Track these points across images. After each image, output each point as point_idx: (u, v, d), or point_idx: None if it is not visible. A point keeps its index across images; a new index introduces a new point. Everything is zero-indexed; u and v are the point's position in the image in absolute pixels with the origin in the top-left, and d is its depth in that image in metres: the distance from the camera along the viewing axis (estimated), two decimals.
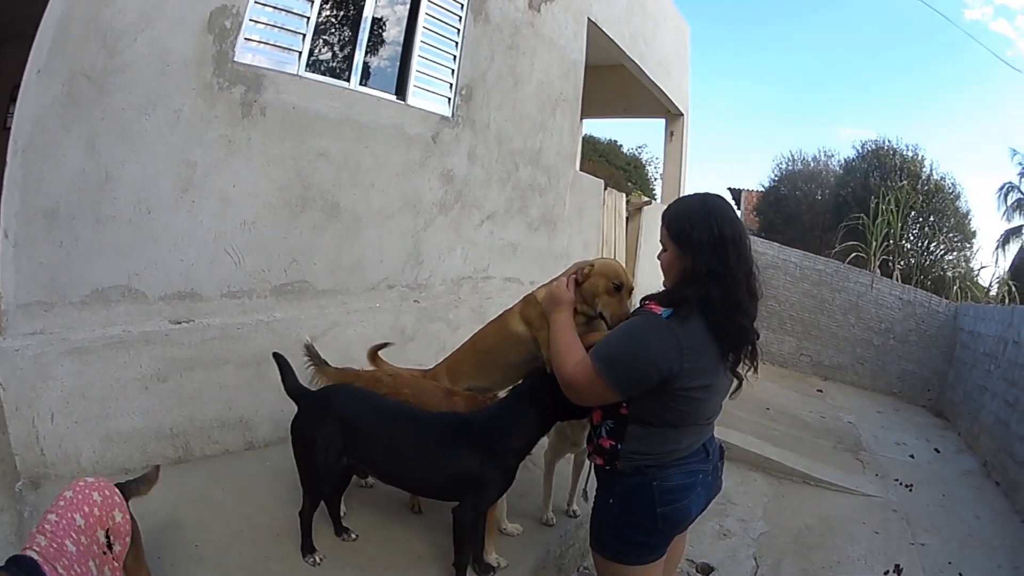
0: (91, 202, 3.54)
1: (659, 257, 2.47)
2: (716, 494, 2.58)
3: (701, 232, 2.25)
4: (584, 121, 12.70)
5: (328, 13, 4.83)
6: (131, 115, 3.63)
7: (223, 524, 3.38)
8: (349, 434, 2.98)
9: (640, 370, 2.22)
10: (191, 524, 3.32)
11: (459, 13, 5.63)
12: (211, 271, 4.12)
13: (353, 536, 3.39)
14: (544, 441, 3.57)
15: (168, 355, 3.91)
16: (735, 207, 2.54)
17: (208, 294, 4.13)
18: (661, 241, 2.43)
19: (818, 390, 11.17)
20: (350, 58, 4.87)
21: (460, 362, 3.79)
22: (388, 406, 3.17)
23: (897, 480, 6.80)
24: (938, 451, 8.43)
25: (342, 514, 3.46)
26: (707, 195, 2.43)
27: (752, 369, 2.42)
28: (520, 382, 3.21)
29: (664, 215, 2.44)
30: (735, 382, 2.43)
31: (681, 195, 2.49)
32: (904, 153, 19.11)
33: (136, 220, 3.73)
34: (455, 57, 5.65)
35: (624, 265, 3.34)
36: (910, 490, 6.58)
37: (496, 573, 3.24)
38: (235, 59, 4.05)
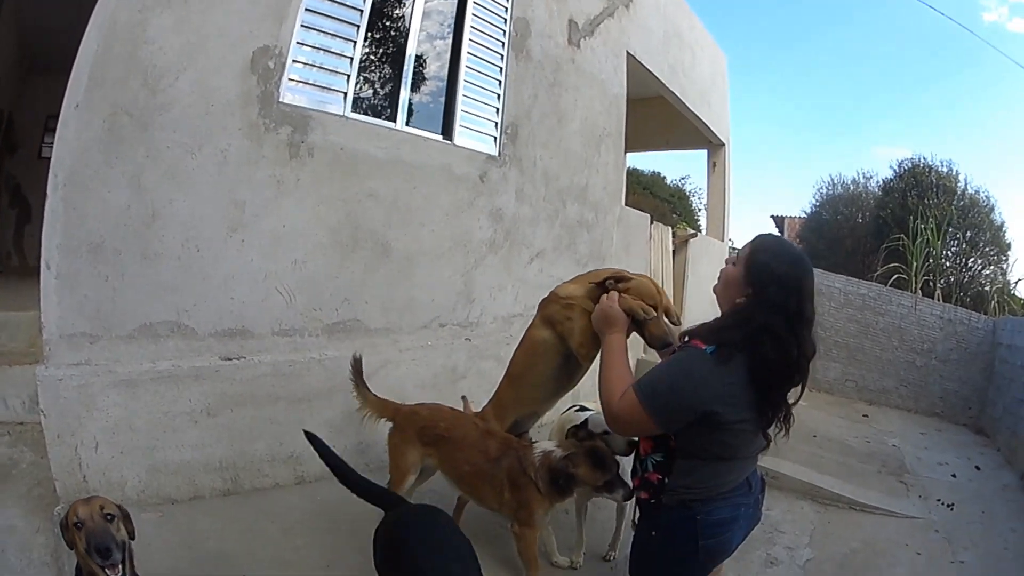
0: (138, 238, 3.52)
1: (724, 267, 2.41)
2: (755, 525, 2.51)
3: (780, 292, 2.17)
4: (627, 154, 12.60)
5: (371, 55, 4.77)
6: (177, 153, 3.61)
7: (272, 555, 3.34)
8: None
9: (682, 402, 2.15)
10: (240, 554, 3.28)
11: (500, 52, 5.54)
12: (262, 309, 4.06)
13: None
14: None
15: (218, 390, 3.86)
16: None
17: (259, 332, 4.07)
18: (734, 262, 2.37)
19: (864, 415, 10.76)
20: (395, 99, 4.79)
21: (500, 396, 3.72)
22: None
23: (939, 500, 6.53)
24: (978, 468, 8.09)
25: None
26: (805, 260, 2.31)
27: (784, 432, 2.32)
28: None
29: (757, 246, 2.32)
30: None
31: (771, 235, 2.43)
32: (939, 170, 18.69)
33: (185, 258, 3.69)
34: (499, 96, 5.55)
35: (661, 286, 3.22)
36: (951, 509, 6.33)
37: None
38: (280, 100, 4.01)
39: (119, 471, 3.54)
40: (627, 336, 2.71)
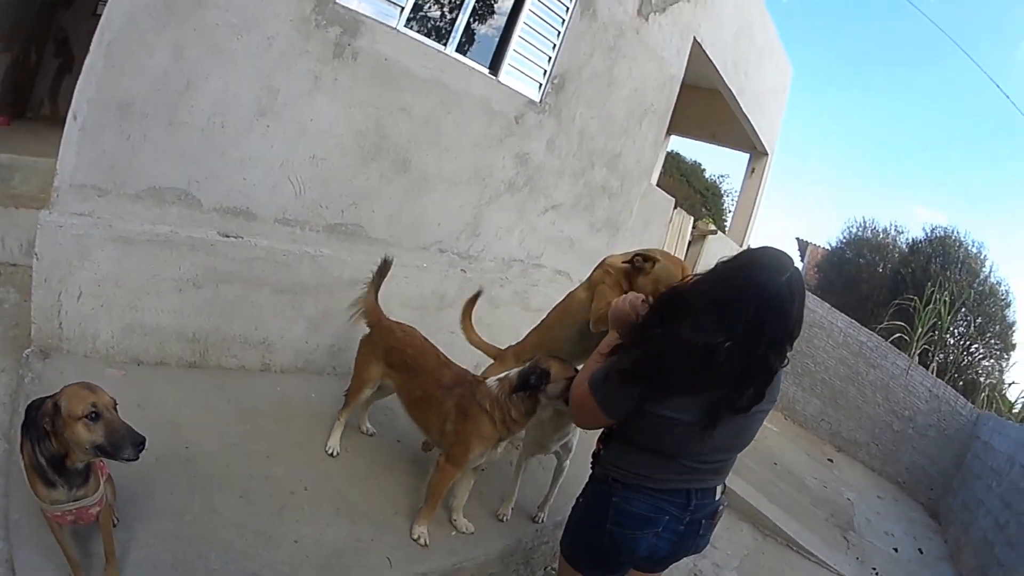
0: (167, 105, 3.61)
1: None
2: (692, 551, 2.49)
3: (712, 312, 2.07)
4: (672, 137, 12.75)
5: None
6: (224, 32, 3.68)
7: (219, 434, 3.45)
8: None
9: (623, 390, 2.19)
10: (188, 427, 3.39)
11: (567, 4, 5.57)
12: (271, 195, 4.18)
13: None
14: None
15: (210, 264, 3.98)
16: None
17: (263, 215, 4.18)
18: None
19: (829, 459, 10.94)
20: (451, 24, 4.85)
21: (526, 339, 3.94)
22: None
23: (875, 569, 6.60)
24: (921, 552, 8.16)
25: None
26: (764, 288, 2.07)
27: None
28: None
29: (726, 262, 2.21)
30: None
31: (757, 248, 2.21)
32: (968, 248, 18.80)
33: (208, 131, 3.79)
34: (555, 45, 5.60)
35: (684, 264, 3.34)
36: None
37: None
38: (336, 0, 4.08)
39: (94, 324, 3.68)
40: None
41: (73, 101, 3.37)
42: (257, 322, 4.26)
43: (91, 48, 3.34)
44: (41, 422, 2.07)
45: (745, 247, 11.96)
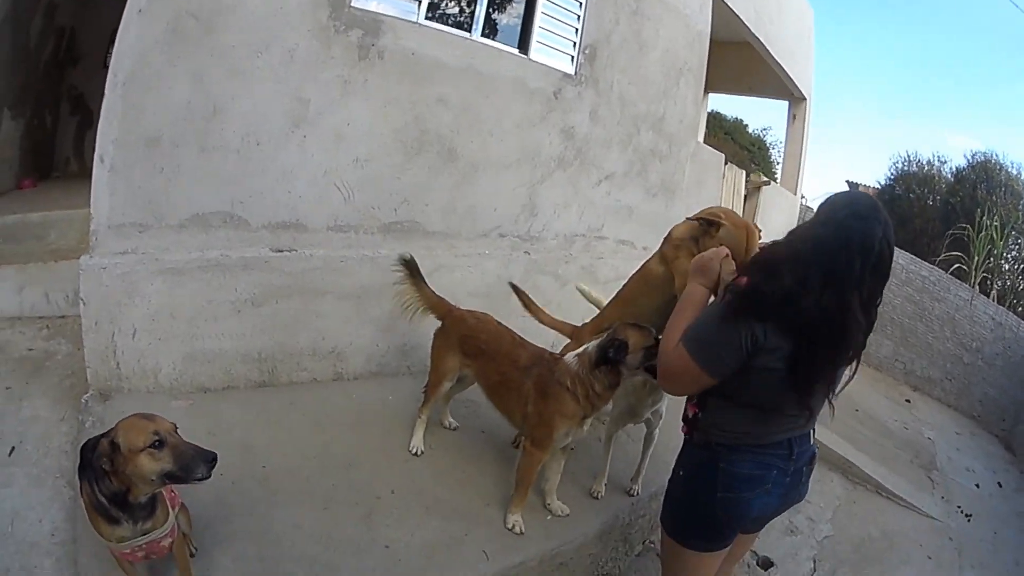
0: (197, 132, 3.59)
1: None
2: (796, 501, 2.41)
3: (834, 261, 1.98)
4: (711, 96, 12.81)
5: None
6: (242, 53, 3.65)
7: (296, 450, 3.41)
8: None
9: (729, 344, 2.06)
10: (263, 446, 3.37)
11: None
12: (319, 204, 4.13)
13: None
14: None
15: (266, 281, 3.95)
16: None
17: (314, 226, 4.14)
18: None
19: (907, 400, 10.73)
20: (472, 10, 4.76)
21: (605, 315, 3.78)
22: None
23: (959, 507, 6.47)
24: (1000, 485, 7.94)
25: None
26: (857, 223, 2.01)
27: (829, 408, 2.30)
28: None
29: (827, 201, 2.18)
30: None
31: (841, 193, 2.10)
32: (1009, 170, 18.34)
33: (244, 151, 3.75)
34: (579, 17, 5.44)
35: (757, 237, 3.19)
36: (968, 520, 6.26)
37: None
38: (352, 4, 4.02)
39: (154, 358, 3.68)
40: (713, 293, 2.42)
41: (97, 145, 3.36)
42: (323, 332, 4.22)
43: (106, 91, 3.33)
44: (99, 463, 2.00)
45: (799, 196, 11.82)
